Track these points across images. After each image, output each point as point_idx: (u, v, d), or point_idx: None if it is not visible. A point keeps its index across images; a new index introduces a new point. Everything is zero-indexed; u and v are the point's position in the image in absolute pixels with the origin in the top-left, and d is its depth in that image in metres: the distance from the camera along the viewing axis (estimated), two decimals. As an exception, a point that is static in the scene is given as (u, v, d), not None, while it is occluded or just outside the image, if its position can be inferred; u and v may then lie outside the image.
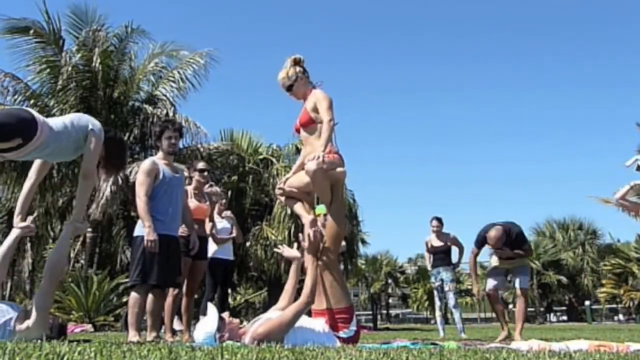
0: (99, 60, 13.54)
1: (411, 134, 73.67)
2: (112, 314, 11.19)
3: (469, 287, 30.56)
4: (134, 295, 4.25)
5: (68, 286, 10.81)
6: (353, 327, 3.29)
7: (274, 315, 3.18)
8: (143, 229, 4.21)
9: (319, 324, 3.22)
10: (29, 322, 3.15)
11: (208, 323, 3.01)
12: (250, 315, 23.55)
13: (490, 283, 5.75)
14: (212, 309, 3.11)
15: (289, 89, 3.68)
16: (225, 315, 3.19)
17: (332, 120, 3.45)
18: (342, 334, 3.22)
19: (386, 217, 65.20)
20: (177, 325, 5.50)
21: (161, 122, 4.82)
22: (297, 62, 3.70)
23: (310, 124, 3.55)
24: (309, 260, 3.29)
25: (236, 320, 3.19)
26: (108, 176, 3.67)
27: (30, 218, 3.64)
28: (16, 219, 3.57)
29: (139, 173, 4.41)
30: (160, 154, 4.57)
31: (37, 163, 3.57)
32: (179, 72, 14.66)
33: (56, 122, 3.35)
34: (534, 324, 25.78)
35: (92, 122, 3.45)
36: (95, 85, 13.82)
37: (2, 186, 14.61)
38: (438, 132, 71.92)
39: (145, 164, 4.46)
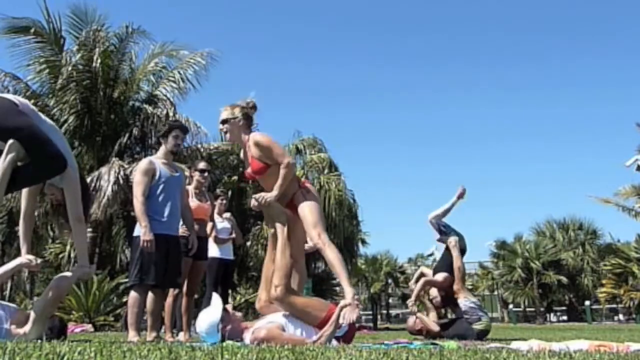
0: (99, 60, 13.54)
1: (412, 133, 73.70)
2: (112, 314, 11.18)
3: (469, 286, 30.60)
4: (133, 295, 4.25)
5: (68, 286, 10.80)
6: (344, 325, 3.28)
7: (279, 320, 3.16)
8: (140, 229, 4.21)
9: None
10: (26, 328, 3.14)
11: (212, 313, 3.00)
12: (250, 316, 23.49)
13: None
14: (217, 299, 3.10)
15: (223, 122, 3.52)
16: (229, 307, 3.20)
17: (291, 162, 3.36)
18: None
19: (386, 217, 65.18)
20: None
21: (171, 121, 4.87)
22: (250, 108, 3.55)
23: (265, 171, 3.43)
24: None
25: (239, 314, 3.19)
26: (68, 230, 3.65)
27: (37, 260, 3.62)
28: (23, 250, 3.57)
29: (136, 173, 4.42)
30: (159, 152, 4.57)
31: (24, 193, 3.56)
32: (179, 72, 14.66)
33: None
34: (534, 324, 25.76)
35: (73, 158, 3.44)
36: (95, 85, 13.82)
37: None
38: (438, 132, 71.95)
39: (142, 163, 4.45)
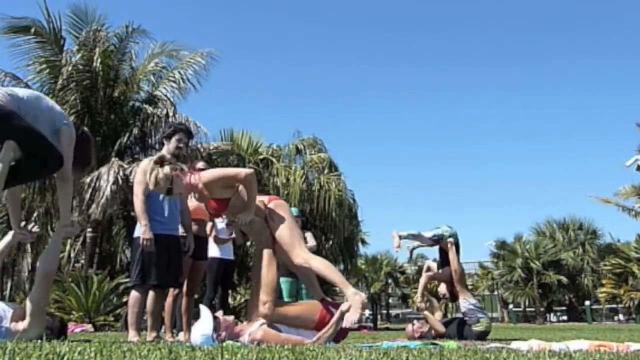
0: (99, 60, 13.55)
1: (412, 133, 73.71)
2: (112, 314, 11.18)
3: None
4: (134, 294, 4.26)
5: (68, 286, 10.79)
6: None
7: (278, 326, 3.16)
8: (140, 230, 4.22)
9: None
10: (24, 325, 3.14)
11: (204, 325, 3.00)
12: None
13: None
14: (205, 310, 3.10)
15: (169, 192, 3.39)
16: (219, 314, 3.19)
17: (248, 173, 3.28)
18: None
19: (386, 217, 65.19)
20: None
21: (177, 123, 4.84)
22: (161, 163, 3.36)
23: (226, 206, 3.34)
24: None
25: (230, 318, 3.19)
26: (75, 175, 3.59)
27: (30, 226, 3.60)
28: (15, 227, 3.55)
29: (138, 172, 4.43)
30: (162, 153, 4.57)
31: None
32: (179, 72, 14.68)
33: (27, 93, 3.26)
34: (534, 324, 25.76)
35: (65, 115, 3.36)
36: (96, 85, 13.82)
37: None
38: (439, 132, 71.95)
39: (144, 163, 4.47)
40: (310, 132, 19.45)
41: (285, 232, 3.31)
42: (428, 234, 5.85)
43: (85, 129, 3.64)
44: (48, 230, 15.91)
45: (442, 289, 5.99)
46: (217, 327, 3.01)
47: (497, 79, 68.82)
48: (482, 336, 5.31)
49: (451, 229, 5.88)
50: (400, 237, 5.76)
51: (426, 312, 5.73)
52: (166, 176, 3.30)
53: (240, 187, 3.33)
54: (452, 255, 5.67)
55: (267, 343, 2.80)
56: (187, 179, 3.34)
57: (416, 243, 6.13)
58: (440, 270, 5.94)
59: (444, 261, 5.89)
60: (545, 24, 69.59)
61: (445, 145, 72.14)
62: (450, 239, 5.75)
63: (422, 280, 6.04)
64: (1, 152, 3.07)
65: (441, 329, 5.58)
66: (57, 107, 3.41)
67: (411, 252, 6.31)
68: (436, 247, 6.08)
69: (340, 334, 3.22)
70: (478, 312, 5.51)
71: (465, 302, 5.54)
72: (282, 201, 3.58)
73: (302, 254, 3.27)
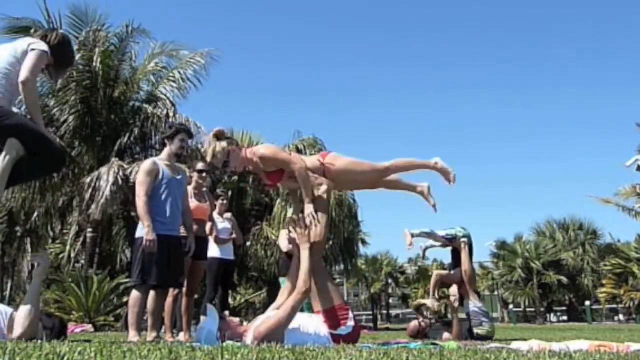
0: (99, 60, 13.55)
1: (412, 133, 73.75)
2: (112, 314, 11.18)
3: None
4: (134, 294, 4.26)
5: (68, 286, 10.79)
6: (350, 323, 3.28)
7: (272, 314, 3.18)
8: (142, 229, 4.21)
9: (315, 323, 3.21)
10: (18, 331, 3.12)
11: (209, 323, 3.01)
12: (250, 315, 23.54)
13: None
14: (211, 309, 3.12)
15: (225, 165, 3.47)
16: (225, 314, 3.20)
17: (298, 167, 3.34)
18: (339, 330, 3.22)
19: (386, 217, 65.20)
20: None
21: (178, 124, 4.92)
22: (219, 136, 3.47)
23: (281, 177, 3.44)
24: (301, 248, 3.24)
25: (236, 319, 3.20)
26: (60, 76, 3.58)
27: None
28: None
29: (139, 173, 4.43)
30: (163, 154, 4.59)
31: None
32: (179, 72, 14.66)
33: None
34: (534, 324, 25.76)
35: (33, 44, 3.24)
36: (96, 85, 13.82)
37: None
38: (438, 132, 72.01)
39: (146, 164, 4.48)
40: (310, 132, 19.39)
41: (354, 165, 3.57)
42: (441, 233, 5.82)
43: (60, 32, 3.53)
44: (48, 230, 15.94)
45: (454, 290, 5.96)
46: (222, 327, 3.02)
47: (497, 79, 68.89)
48: (483, 340, 5.30)
49: (464, 230, 5.86)
50: (413, 235, 5.71)
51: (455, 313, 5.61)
52: (223, 149, 3.42)
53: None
54: (464, 255, 5.65)
55: (271, 336, 2.82)
56: (243, 152, 3.47)
57: (429, 242, 6.08)
58: (452, 272, 5.92)
59: (456, 262, 5.86)
60: (545, 24, 69.65)
61: (445, 145, 72.21)
62: (464, 239, 5.74)
63: (433, 278, 5.99)
64: (4, 151, 3.06)
65: (459, 331, 5.55)
66: (19, 44, 3.29)
67: (424, 251, 6.24)
68: (434, 249, 6.06)
69: (352, 336, 3.23)
70: (482, 315, 5.48)
71: (472, 303, 5.53)
72: (334, 152, 3.72)
73: (382, 163, 3.56)
